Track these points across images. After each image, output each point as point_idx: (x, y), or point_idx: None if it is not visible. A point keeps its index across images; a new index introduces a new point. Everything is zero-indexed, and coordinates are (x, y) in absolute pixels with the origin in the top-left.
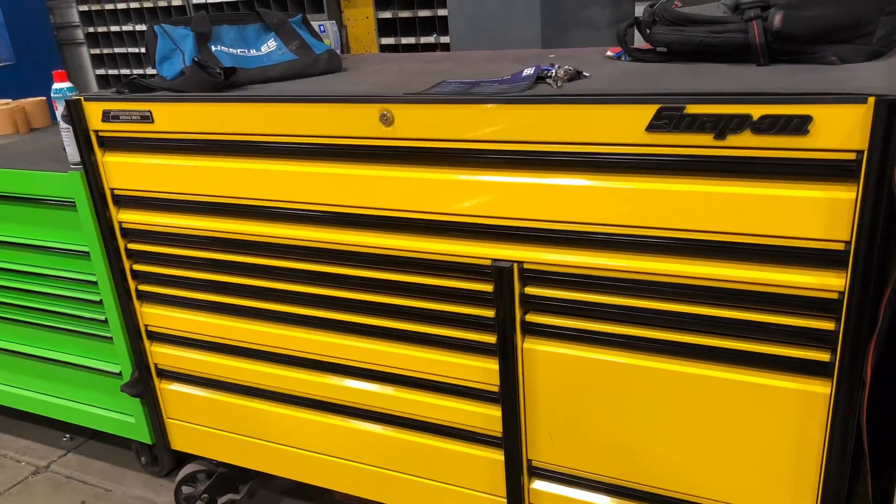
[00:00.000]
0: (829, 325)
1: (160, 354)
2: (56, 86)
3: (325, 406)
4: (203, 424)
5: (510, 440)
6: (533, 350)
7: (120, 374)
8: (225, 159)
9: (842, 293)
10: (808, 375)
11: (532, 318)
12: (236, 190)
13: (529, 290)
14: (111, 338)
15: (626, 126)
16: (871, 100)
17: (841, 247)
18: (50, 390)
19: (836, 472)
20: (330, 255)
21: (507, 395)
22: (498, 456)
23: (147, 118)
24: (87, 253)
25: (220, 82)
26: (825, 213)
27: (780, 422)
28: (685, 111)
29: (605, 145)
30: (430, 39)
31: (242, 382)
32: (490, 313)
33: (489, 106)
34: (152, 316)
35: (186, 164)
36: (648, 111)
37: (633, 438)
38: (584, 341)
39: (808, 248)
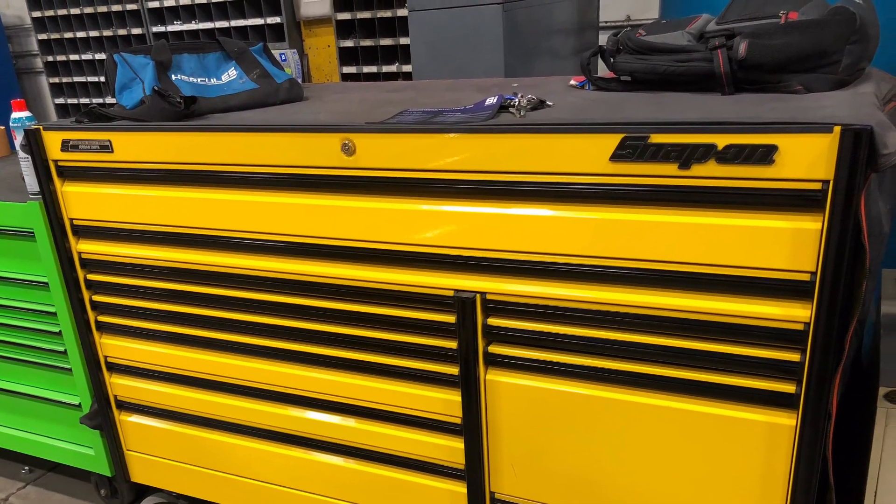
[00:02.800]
0: (794, 357)
1: (119, 386)
2: (15, 115)
3: (285, 438)
4: (162, 456)
5: (473, 472)
6: (496, 381)
7: (79, 405)
8: (185, 189)
9: (807, 324)
10: (773, 407)
11: (495, 349)
12: (197, 220)
13: (492, 320)
14: (70, 369)
15: (590, 155)
16: (837, 129)
17: (807, 277)
18: (8, 422)
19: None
20: (291, 286)
21: (470, 427)
22: (460, 488)
23: (106, 147)
24: (46, 283)
25: (181, 111)
26: (791, 243)
27: (746, 454)
28: (649, 140)
29: (569, 175)
30: (392, 68)
31: (202, 414)
32: (453, 344)
33: (451, 135)
34: (111, 347)
35: (146, 194)
36: (612, 140)
37: (596, 470)
38: (547, 372)
39: (773, 278)
